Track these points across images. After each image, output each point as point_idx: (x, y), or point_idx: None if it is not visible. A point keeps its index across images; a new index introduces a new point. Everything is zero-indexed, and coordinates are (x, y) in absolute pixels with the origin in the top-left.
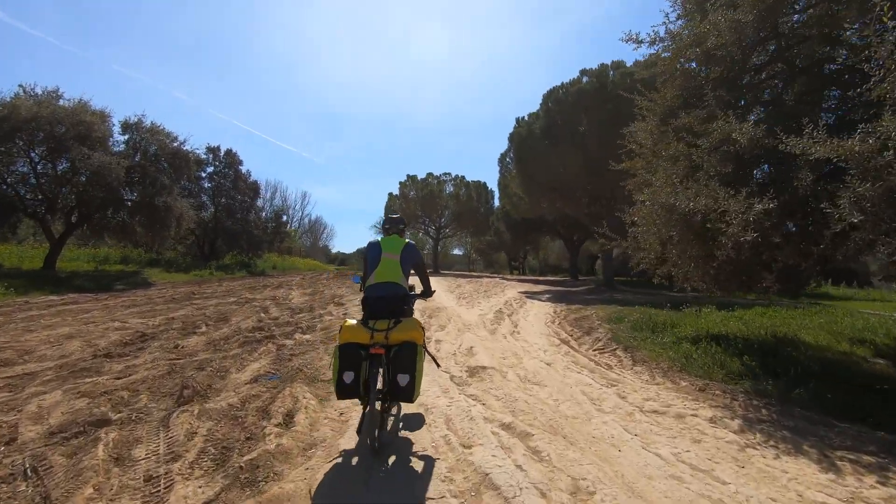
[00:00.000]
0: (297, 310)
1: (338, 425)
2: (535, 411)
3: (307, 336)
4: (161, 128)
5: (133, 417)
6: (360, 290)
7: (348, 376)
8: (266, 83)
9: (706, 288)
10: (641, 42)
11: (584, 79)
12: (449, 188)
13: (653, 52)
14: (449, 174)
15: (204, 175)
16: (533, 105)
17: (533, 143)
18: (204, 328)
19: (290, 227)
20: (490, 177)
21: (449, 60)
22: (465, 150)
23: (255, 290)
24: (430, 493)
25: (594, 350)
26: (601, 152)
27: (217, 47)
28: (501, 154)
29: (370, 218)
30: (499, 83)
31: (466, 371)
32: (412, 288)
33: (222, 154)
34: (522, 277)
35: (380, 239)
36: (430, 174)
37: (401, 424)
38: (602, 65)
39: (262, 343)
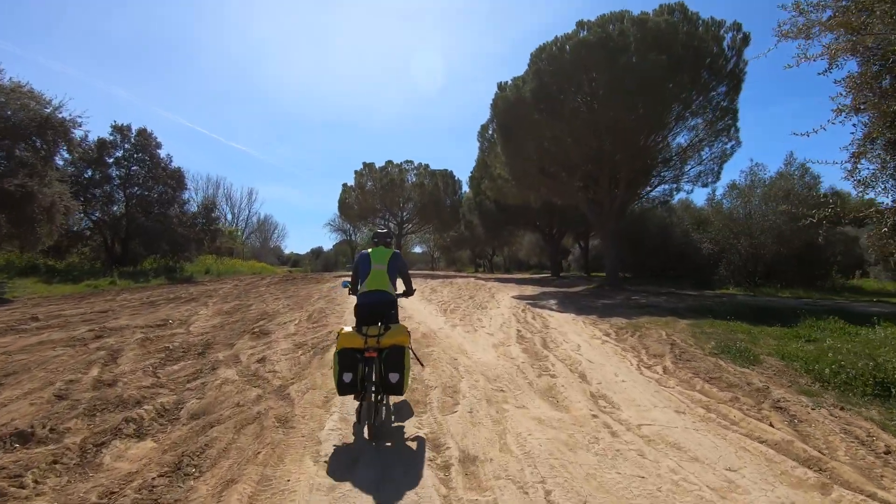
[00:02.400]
0: (173, 355)
1: None
2: None
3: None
4: (27, 87)
5: None
6: (349, 294)
7: (347, 376)
8: (216, 83)
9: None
10: None
11: (582, 32)
12: (411, 177)
13: None
14: (411, 162)
15: (110, 160)
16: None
17: (521, 111)
18: None
19: (235, 225)
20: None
21: (408, 62)
22: (427, 152)
23: (146, 309)
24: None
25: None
26: (613, 121)
27: (162, 45)
28: (482, 127)
29: (325, 217)
30: (460, 86)
31: None
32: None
33: (133, 134)
34: (498, 276)
35: (370, 251)
36: (389, 162)
37: (393, 417)
38: (602, 16)
39: None
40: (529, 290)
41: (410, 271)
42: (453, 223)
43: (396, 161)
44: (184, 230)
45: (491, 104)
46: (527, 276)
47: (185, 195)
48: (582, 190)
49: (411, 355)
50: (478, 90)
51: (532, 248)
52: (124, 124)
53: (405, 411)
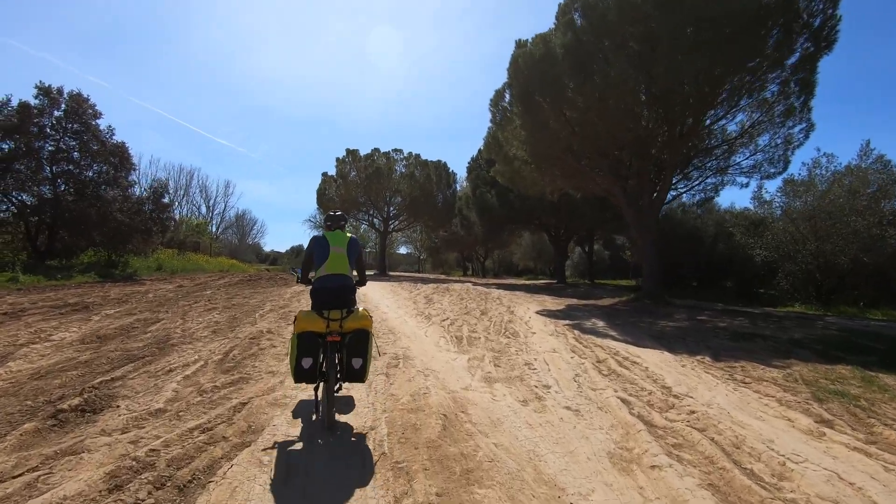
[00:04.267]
0: None
1: None
2: None
3: None
4: None
5: None
6: (297, 282)
7: (307, 362)
8: (199, 74)
9: None
10: None
11: None
12: (400, 168)
13: None
14: (400, 151)
15: (35, 130)
16: (479, 114)
17: (548, 72)
18: None
19: (211, 218)
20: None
21: (395, 60)
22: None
23: None
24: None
25: None
26: (666, 90)
27: (144, 35)
28: (495, 94)
29: (304, 214)
30: (449, 85)
31: None
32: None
33: (64, 99)
34: (497, 282)
35: (325, 234)
36: (375, 150)
37: (334, 409)
38: None
39: None
40: (550, 301)
41: (394, 272)
42: (446, 221)
43: (384, 149)
44: (126, 217)
45: (509, 64)
46: (526, 281)
47: (133, 177)
48: (617, 179)
49: (374, 341)
50: (467, 89)
51: (528, 252)
52: (54, 86)
53: (345, 404)
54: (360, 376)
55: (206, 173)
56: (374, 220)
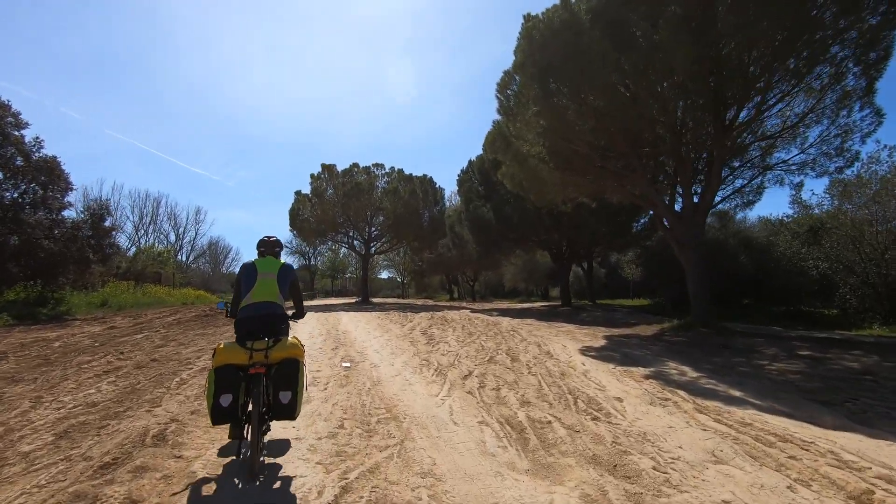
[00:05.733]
0: None
1: None
2: None
3: None
4: None
5: None
6: (227, 315)
7: (226, 399)
8: (173, 104)
9: None
10: None
11: None
12: (382, 184)
13: None
14: (381, 165)
15: None
16: (466, 150)
17: (573, 43)
18: None
19: (180, 246)
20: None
21: (371, 85)
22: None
23: None
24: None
25: None
26: (743, 53)
27: (116, 65)
28: (504, 76)
29: (282, 239)
30: (425, 109)
31: None
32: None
33: None
34: (496, 307)
35: (255, 261)
36: (354, 164)
37: (264, 452)
38: None
39: None
40: (579, 333)
41: (377, 298)
42: (433, 241)
43: (364, 164)
44: (57, 246)
45: (519, 40)
46: (522, 304)
47: (68, 198)
48: (654, 179)
49: (305, 372)
50: (445, 114)
51: (519, 272)
52: None
53: (279, 447)
54: (289, 412)
55: (175, 200)
56: (355, 241)
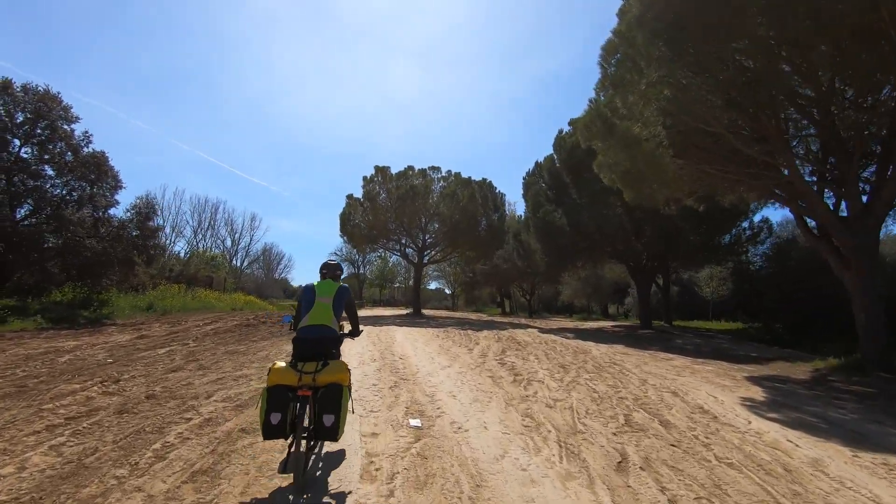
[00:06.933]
0: None
1: None
2: None
3: None
4: None
5: None
6: (291, 330)
7: (275, 417)
8: (234, 116)
9: None
10: None
11: None
12: (437, 188)
13: None
14: (437, 168)
15: None
16: (507, 160)
17: None
18: None
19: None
20: None
21: (417, 99)
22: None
23: None
24: None
25: None
26: None
27: (183, 81)
28: (606, 46)
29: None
30: (459, 127)
31: None
32: (342, 328)
33: (18, 90)
34: (562, 325)
35: (315, 283)
36: (409, 167)
37: (320, 464)
38: None
39: None
40: (705, 371)
41: (427, 310)
42: (490, 250)
43: (418, 167)
44: (100, 245)
45: None
46: (588, 323)
47: (117, 196)
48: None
49: (350, 396)
50: (484, 132)
51: (581, 287)
52: (7, 78)
53: (336, 459)
54: (332, 435)
55: (231, 206)
56: (407, 249)
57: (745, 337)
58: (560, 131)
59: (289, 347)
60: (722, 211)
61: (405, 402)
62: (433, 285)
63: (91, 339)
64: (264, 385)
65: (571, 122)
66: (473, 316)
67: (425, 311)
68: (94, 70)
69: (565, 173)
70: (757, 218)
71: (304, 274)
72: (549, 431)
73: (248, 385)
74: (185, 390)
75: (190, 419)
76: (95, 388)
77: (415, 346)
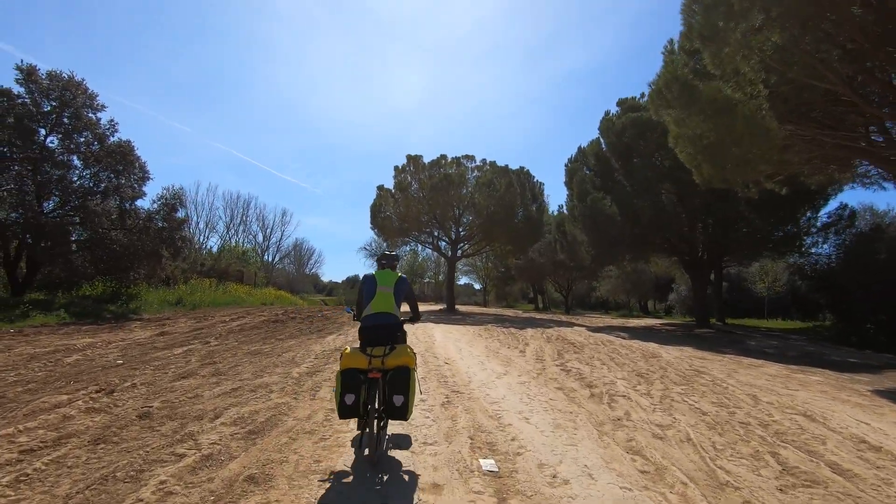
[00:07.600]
0: None
1: None
2: None
3: None
4: None
5: None
6: (353, 319)
7: (349, 398)
8: (266, 116)
9: None
10: None
11: None
12: (472, 177)
13: None
14: (472, 157)
15: (10, 121)
16: (522, 157)
17: None
18: None
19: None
20: None
21: (439, 99)
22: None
23: None
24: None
25: None
26: None
27: (219, 82)
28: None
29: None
30: (486, 125)
31: None
32: (403, 315)
33: (44, 78)
34: (608, 323)
35: (375, 273)
36: (442, 156)
37: (390, 445)
38: None
39: None
40: (814, 381)
41: (460, 306)
42: (528, 243)
43: (451, 155)
44: (130, 237)
45: None
46: (633, 321)
47: (144, 187)
48: None
49: (417, 378)
50: (509, 129)
51: (621, 282)
52: (32, 65)
53: (403, 441)
54: (401, 414)
55: (263, 202)
56: (440, 242)
57: (818, 337)
58: (607, 112)
59: (318, 347)
60: (787, 196)
61: (466, 429)
62: (462, 280)
63: (109, 336)
64: (332, 374)
65: (619, 103)
66: (509, 312)
67: (459, 308)
68: (137, 75)
69: (614, 158)
70: (832, 205)
71: (334, 269)
72: (684, 484)
73: (267, 400)
74: (188, 406)
75: (182, 456)
76: (81, 401)
77: (458, 346)
